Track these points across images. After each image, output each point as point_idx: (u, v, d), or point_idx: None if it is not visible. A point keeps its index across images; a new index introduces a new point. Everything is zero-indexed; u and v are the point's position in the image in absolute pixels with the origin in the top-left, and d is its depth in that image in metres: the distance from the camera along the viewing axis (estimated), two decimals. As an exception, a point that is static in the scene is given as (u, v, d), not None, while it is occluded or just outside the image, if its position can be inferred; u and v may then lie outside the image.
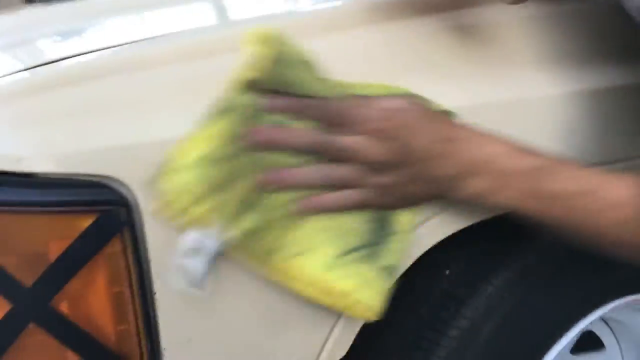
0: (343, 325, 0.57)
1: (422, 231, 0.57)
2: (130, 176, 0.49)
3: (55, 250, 0.48)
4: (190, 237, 0.49)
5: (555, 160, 0.52)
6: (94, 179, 0.48)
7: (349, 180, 0.51)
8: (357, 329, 0.57)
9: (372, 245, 0.52)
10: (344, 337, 0.57)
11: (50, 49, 0.70)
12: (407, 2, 0.61)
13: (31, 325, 0.49)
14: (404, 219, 0.54)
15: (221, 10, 0.85)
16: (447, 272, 0.68)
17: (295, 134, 0.50)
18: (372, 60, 0.57)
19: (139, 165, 0.49)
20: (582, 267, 0.67)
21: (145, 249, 0.50)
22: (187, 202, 0.47)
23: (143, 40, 0.63)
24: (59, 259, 0.48)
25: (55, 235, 0.48)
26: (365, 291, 0.51)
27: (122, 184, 0.49)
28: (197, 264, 0.49)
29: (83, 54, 0.57)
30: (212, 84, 0.50)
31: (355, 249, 0.51)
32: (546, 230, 0.54)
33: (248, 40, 0.47)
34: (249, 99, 0.48)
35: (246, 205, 0.49)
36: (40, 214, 0.48)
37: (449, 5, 0.61)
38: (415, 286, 0.69)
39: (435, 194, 0.53)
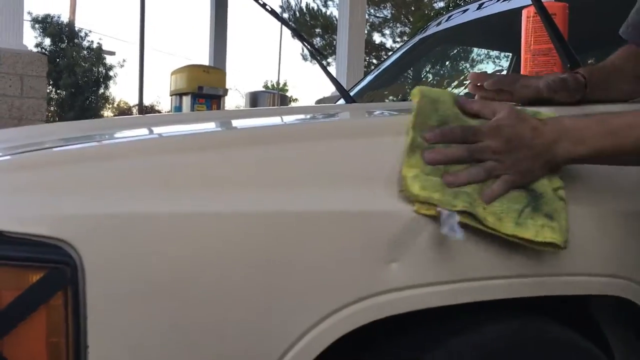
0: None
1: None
2: (78, 240, 0.59)
3: (6, 298, 0.57)
4: (443, 213, 0.72)
5: (603, 115, 0.83)
6: (48, 240, 0.58)
7: (493, 168, 0.78)
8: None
9: (530, 203, 0.78)
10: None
11: (44, 146, 0.83)
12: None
13: (-24, 366, 0.57)
14: (541, 186, 0.79)
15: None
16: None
17: (450, 151, 0.78)
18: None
19: (87, 232, 0.59)
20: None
21: (84, 306, 0.59)
22: (427, 195, 0.73)
23: (103, 142, 0.76)
24: (8, 307, 0.57)
25: (8, 285, 0.58)
26: (543, 232, 0.75)
27: (70, 246, 0.59)
28: (453, 224, 0.72)
29: (58, 147, 0.70)
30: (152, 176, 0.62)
31: (524, 209, 0.77)
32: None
33: (414, 95, 0.82)
34: (419, 137, 0.78)
35: (456, 193, 0.75)
36: (-2, 266, 0.58)
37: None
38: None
39: (544, 163, 0.79)
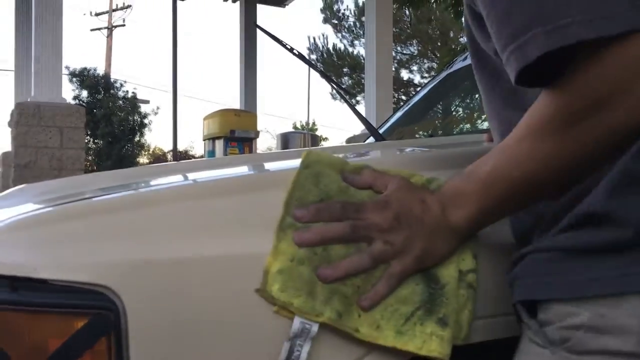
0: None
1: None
2: (120, 286, 0.61)
3: (53, 345, 0.59)
4: (296, 323, 0.63)
5: (472, 166, 0.68)
6: (90, 287, 0.60)
7: (381, 253, 0.66)
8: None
9: (425, 303, 0.67)
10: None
11: (86, 196, 0.86)
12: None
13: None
14: (445, 272, 0.69)
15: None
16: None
17: (327, 229, 0.66)
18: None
19: (128, 278, 0.61)
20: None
21: (127, 351, 0.60)
22: (285, 299, 0.63)
23: (140, 190, 0.79)
24: (54, 354, 0.59)
25: (54, 332, 0.59)
26: (429, 345, 0.65)
27: (113, 292, 0.60)
28: (301, 343, 0.63)
29: (99, 196, 0.73)
30: (189, 221, 0.66)
31: (413, 313, 0.66)
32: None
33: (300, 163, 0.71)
34: (289, 215, 0.67)
35: (329, 294, 0.64)
36: (44, 314, 0.60)
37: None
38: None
39: (446, 238, 0.68)
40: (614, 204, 0.59)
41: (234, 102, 10.31)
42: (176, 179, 1.02)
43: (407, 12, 16.34)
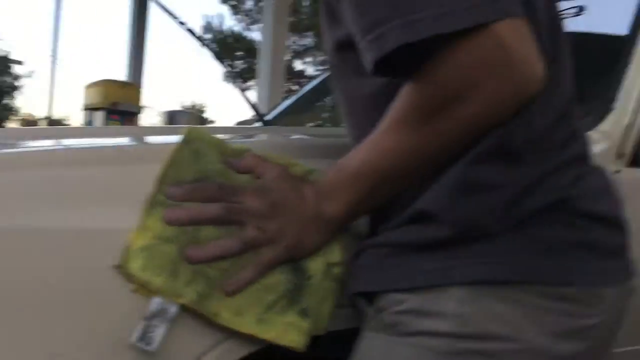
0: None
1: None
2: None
3: None
4: (154, 303, 0.60)
5: (344, 159, 0.68)
6: None
7: (253, 239, 0.65)
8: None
9: (289, 293, 0.66)
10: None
11: None
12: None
13: None
14: (313, 264, 0.68)
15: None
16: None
17: (200, 210, 0.64)
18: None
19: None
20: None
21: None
22: (146, 278, 0.60)
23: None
24: None
25: None
26: (288, 335, 0.66)
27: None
28: (157, 324, 0.60)
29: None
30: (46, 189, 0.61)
31: (276, 302, 0.66)
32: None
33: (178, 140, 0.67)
34: (161, 193, 0.64)
35: (193, 276, 0.62)
36: None
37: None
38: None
39: (317, 229, 0.68)
40: (442, 205, 0.63)
41: (120, 74, 9.87)
42: (43, 143, 0.94)
43: (304, 3, 16.41)
